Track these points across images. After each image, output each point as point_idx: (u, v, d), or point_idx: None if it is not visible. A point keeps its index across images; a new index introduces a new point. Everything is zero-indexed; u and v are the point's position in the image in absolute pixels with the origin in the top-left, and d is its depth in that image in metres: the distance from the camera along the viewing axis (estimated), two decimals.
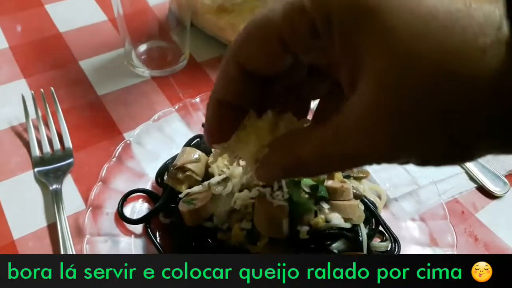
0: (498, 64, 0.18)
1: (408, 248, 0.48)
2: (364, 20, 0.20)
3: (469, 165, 0.58)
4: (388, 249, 0.47)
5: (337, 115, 0.23)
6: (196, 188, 0.44)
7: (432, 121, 0.20)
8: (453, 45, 0.19)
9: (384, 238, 0.48)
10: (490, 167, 0.58)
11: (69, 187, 0.50)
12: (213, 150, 0.49)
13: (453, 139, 0.20)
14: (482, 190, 0.56)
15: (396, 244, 0.47)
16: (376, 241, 0.48)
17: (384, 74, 0.20)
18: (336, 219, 0.44)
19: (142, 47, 0.63)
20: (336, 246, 0.44)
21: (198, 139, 0.53)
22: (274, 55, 0.25)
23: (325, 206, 0.44)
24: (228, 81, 0.28)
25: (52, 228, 0.46)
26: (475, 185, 0.57)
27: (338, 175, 0.48)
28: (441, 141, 0.20)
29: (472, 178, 0.57)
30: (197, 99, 0.57)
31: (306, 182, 0.45)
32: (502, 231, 0.52)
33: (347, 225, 0.44)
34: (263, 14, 0.25)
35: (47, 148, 0.52)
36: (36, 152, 0.51)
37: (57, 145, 0.52)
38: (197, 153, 0.47)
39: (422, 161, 0.22)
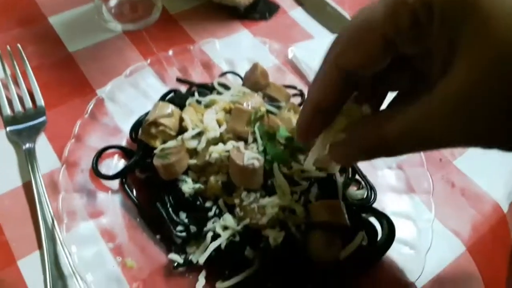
0: None
1: (384, 196, 0.48)
2: (466, 9, 0.22)
3: None
4: (364, 197, 0.48)
5: (426, 98, 0.24)
6: (170, 143, 0.44)
7: None
8: None
9: (360, 186, 0.49)
10: None
11: (43, 146, 0.49)
12: (187, 104, 0.48)
13: None
14: None
15: (372, 192, 0.48)
16: (353, 189, 0.48)
17: (483, 60, 0.21)
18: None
19: (113, 1, 0.60)
20: (313, 194, 0.44)
21: (173, 93, 0.52)
22: (377, 54, 0.27)
23: (301, 156, 0.44)
24: (327, 86, 0.29)
25: (27, 187, 0.46)
26: None
27: None
28: None
29: None
30: (170, 52, 0.55)
31: (282, 134, 0.44)
32: (479, 177, 0.53)
33: (323, 175, 0.44)
34: (362, 17, 0.27)
35: (18, 107, 0.51)
36: (7, 111, 0.50)
37: (28, 104, 0.51)
38: (170, 108, 0.46)
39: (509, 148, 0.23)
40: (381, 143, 0.27)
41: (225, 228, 0.42)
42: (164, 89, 0.53)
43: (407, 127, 0.25)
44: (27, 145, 0.48)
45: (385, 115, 0.27)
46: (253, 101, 0.47)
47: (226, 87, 0.53)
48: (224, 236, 0.41)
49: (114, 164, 0.48)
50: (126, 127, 0.50)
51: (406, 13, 0.24)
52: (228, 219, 0.42)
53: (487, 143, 0.23)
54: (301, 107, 0.32)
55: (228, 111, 0.47)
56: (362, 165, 0.50)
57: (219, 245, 0.41)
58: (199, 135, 0.45)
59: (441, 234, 0.48)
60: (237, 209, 0.42)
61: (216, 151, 0.43)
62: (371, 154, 0.29)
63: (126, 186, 0.45)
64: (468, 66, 0.22)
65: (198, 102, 0.49)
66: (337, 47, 0.28)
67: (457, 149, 0.55)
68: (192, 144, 0.44)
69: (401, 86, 0.33)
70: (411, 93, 0.31)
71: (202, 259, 0.40)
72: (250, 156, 0.41)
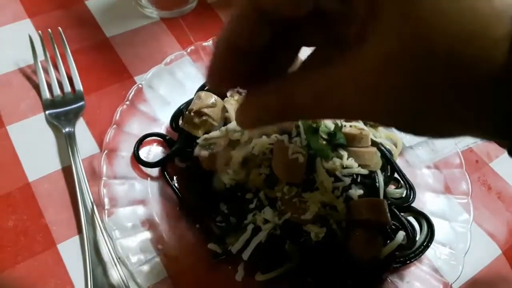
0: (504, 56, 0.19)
1: (423, 195, 0.48)
2: None
3: None
4: (403, 195, 0.47)
5: (338, 65, 0.22)
6: (214, 133, 0.44)
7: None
8: (471, 30, 0.19)
9: (399, 185, 0.48)
10: None
11: (81, 130, 0.49)
12: (228, 95, 0.48)
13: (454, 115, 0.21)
14: None
15: (411, 191, 0.47)
16: (391, 188, 0.48)
17: (403, 36, 0.20)
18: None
19: None
20: (354, 191, 0.43)
21: None
22: None
23: (343, 152, 0.44)
24: (243, 22, 0.25)
25: (66, 171, 0.46)
26: None
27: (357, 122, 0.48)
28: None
29: None
30: (209, 42, 0.55)
31: (324, 129, 0.44)
32: None
33: (365, 172, 0.44)
34: None
35: (57, 91, 0.50)
36: (47, 94, 0.50)
37: (67, 88, 0.51)
38: (213, 98, 0.46)
39: (408, 129, 0.23)
40: (289, 104, 0.25)
41: (265, 221, 0.41)
42: (200, 79, 0.53)
43: (315, 93, 0.23)
44: (67, 129, 0.47)
45: (297, 75, 0.26)
46: None
47: None
48: (265, 229, 0.41)
49: (153, 152, 0.48)
50: (162, 115, 0.50)
51: None
52: (269, 212, 0.41)
53: (385, 120, 0.23)
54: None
55: None
56: (400, 164, 0.50)
57: None
58: None
59: (477, 236, 0.48)
60: (279, 203, 0.42)
61: (260, 143, 0.43)
62: (278, 114, 0.26)
63: (166, 174, 0.45)
64: (389, 40, 0.20)
65: (239, 93, 0.48)
66: None
67: (494, 151, 0.55)
68: (236, 135, 0.43)
69: (315, 42, 0.29)
70: (323, 57, 0.29)
71: (246, 255, 0.40)
72: (295, 149, 0.41)
